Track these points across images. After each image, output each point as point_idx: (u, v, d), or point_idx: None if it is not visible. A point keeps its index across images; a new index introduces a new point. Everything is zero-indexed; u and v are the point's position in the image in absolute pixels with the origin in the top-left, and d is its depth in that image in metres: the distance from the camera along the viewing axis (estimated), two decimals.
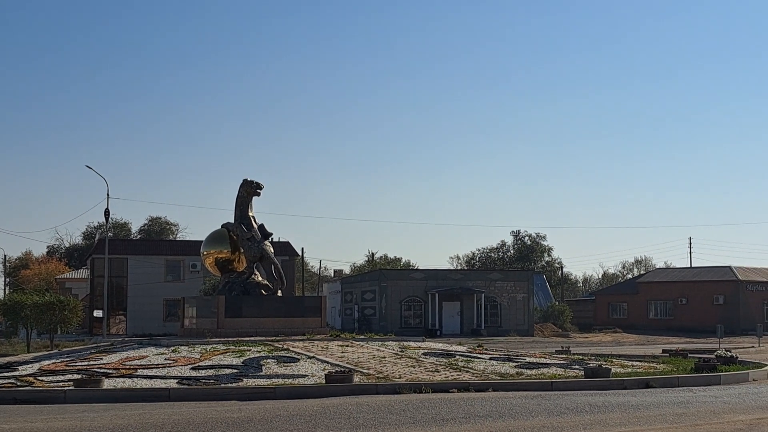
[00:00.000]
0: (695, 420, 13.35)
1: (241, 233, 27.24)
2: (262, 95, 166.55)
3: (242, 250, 27.60)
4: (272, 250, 27.57)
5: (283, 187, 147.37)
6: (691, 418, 13.63)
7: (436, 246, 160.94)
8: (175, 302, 69.36)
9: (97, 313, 50.25)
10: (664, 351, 36.87)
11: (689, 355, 28.07)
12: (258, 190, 27.75)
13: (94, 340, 48.67)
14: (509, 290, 65.00)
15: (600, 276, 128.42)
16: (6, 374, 20.06)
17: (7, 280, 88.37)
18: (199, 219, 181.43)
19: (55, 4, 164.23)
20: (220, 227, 28.27)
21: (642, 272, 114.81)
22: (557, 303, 76.95)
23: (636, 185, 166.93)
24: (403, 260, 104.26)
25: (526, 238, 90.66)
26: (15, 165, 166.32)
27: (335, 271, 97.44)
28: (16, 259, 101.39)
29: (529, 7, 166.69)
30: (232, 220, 28.09)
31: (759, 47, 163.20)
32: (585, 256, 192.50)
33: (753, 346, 43.50)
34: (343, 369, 19.69)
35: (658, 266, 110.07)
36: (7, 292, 78.59)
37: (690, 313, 72.21)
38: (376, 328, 57.37)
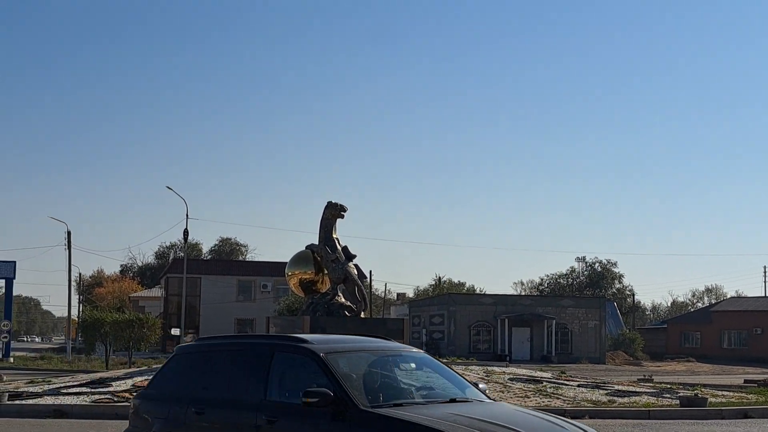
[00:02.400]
0: None
1: (326, 255, 27.40)
2: (324, 118, 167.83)
3: (326, 272, 27.76)
4: (356, 272, 27.67)
5: (352, 209, 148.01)
6: None
7: (500, 271, 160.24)
8: (246, 321, 70.25)
9: (175, 331, 50.95)
10: (746, 381, 36.18)
11: None
12: (342, 213, 27.90)
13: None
14: (580, 317, 64.32)
15: (669, 304, 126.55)
16: (101, 390, 20.44)
17: (82, 297, 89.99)
18: (268, 240, 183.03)
19: (153, 20, 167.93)
20: (304, 248, 28.47)
21: (713, 301, 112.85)
22: (628, 331, 75.93)
23: (707, 212, 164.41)
24: (468, 284, 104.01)
25: (597, 264, 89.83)
26: (89, 183, 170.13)
27: (398, 294, 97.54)
28: (89, 277, 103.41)
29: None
30: (313, 242, 28.29)
31: None
32: (653, 284, 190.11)
33: None
34: None
35: (729, 295, 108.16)
36: (81, 309, 79.94)
37: (765, 343, 70.67)
38: (444, 353, 57.17)
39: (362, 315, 27.76)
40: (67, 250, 59.70)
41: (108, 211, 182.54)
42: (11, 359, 53.80)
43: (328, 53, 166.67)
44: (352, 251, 27.96)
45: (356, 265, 30.16)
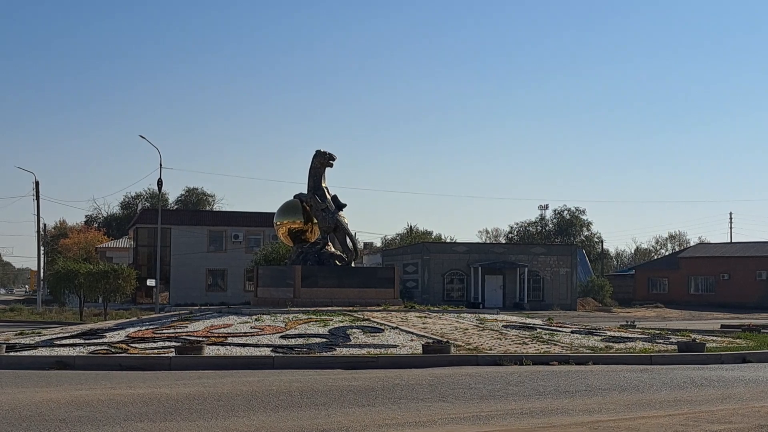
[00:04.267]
0: None
1: (316, 204, 27.20)
2: (301, 68, 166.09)
3: (316, 221, 27.58)
4: (347, 221, 27.51)
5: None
6: None
7: (465, 220, 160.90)
8: (217, 272, 69.83)
9: (150, 282, 50.47)
10: (723, 326, 36.68)
11: (761, 330, 27.93)
12: (331, 161, 27.68)
13: (130, 309, 49.00)
14: (552, 264, 64.86)
15: (633, 251, 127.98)
16: (96, 341, 20.16)
17: (47, 248, 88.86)
18: (236, 190, 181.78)
19: None
20: (293, 198, 28.25)
21: (676, 248, 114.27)
22: (597, 278, 76.73)
23: (670, 159, 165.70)
24: (435, 233, 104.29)
25: (565, 212, 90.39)
26: (56, 133, 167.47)
27: (365, 243, 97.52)
28: (52, 228, 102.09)
29: None
30: (301, 191, 28.04)
31: None
32: (617, 231, 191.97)
33: None
34: (433, 340, 19.68)
35: (692, 242, 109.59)
36: (46, 260, 78.97)
37: (732, 288, 71.82)
38: (418, 301, 57.27)
39: (353, 264, 27.67)
40: (35, 201, 58.84)
41: (74, 161, 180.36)
42: None
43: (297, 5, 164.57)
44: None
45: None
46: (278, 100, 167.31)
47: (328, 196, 27.49)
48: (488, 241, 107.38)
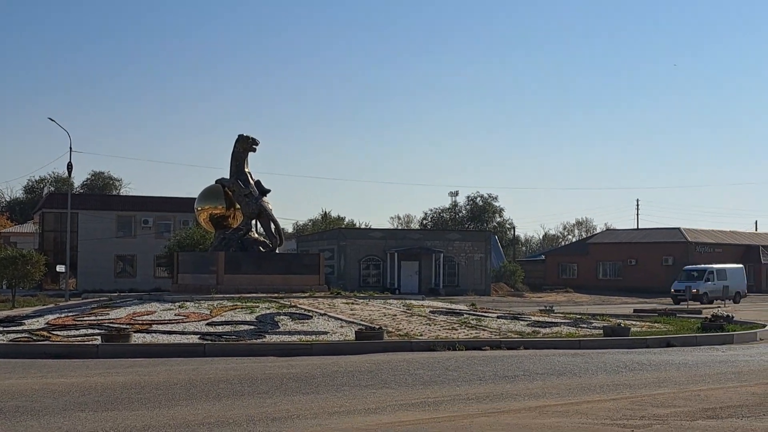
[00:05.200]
0: (761, 378, 13.66)
1: (238, 189, 26.82)
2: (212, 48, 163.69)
3: (239, 206, 27.21)
4: (271, 207, 27.21)
5: (229, 141, 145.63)
6: (752, 376, 13.92)
7: (375, 206, 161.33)
8: (126, 258, 68.46)
9: (60, 268, 49.13)
10: (635, 311, 37.58)
11: (677, 315, 28.70)
12: (254, 146, 27.29)
13: (37, 295, 47.78)
14: (467, 250, 65.46)
15: (541, 237, 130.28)
16: (15, 328, 19.53)
17: None
18: (143, 174, 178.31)
19: None
20: (214, 182, 27.81)
21: (583, 234, 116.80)
22: (509, 263, 77.79)
23: (578, 146, 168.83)
24: (347, 219, 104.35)
25: (478, 198, 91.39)
26: None
27: None
28: None
29: None
30: (224, 176, 27.64)
31: None
32: (526, 217, 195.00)
33: (719, 307, 44.44)
34: (365, 326, 19.62)
35: (599, 228, 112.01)
36: None
37: (639, 273, 73.63)
38: (334, 287, 57.31)
39: (277, 251, 27.41)
40: None
41: None
42: None
43: None
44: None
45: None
46: (189, 81, 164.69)
47: (251, 182, 27.13)
48: (401, 227, 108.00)
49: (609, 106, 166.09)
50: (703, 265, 59.28)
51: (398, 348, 17.72)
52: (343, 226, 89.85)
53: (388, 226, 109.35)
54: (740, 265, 60.47)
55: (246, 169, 27.27)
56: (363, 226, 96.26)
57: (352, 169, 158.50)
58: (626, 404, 10.77)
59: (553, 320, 23.60)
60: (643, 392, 11.87)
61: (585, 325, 22.52)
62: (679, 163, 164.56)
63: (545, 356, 16.48)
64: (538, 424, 9.49)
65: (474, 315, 23.46)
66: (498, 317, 23.34)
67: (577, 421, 9.66)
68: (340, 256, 62.88)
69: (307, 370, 14.29)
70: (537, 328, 21.29)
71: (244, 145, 27.30)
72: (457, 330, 20.43)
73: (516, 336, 19.79)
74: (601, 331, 20.56)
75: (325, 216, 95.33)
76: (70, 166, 47.80)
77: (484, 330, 20.66)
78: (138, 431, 9.09)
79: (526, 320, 22.98)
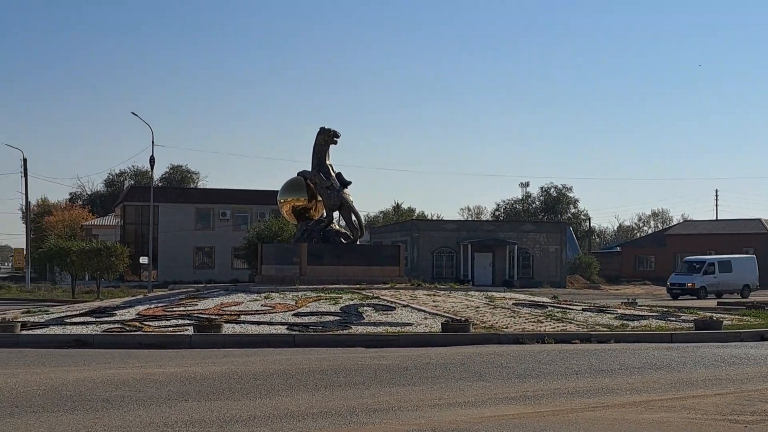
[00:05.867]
0: None
1: (320, 181, 26.94)
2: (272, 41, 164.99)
3: (320, 198, 27.35)
4: (352, 199, 27.29)
5: (303, 134, 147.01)
6: None
7: (448, 197, 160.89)
8: (204, 250, 69.44)
9: (143, 260, 50.06)
10: (719, 303, 36.83)
11: (765, 307, 28.04)
12: (335, 138, 27.38)
13: (118, 286, 48.67)
14: (541, 242, 64.95)
15: (615, 228, 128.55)
16: (107, 319, 19.91)
17: (32, 226, 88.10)
18: (220, 168, 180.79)
19: None
20: (296, 175, 28.00)
21: (659, 225, 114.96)
22: (584, 255, 76.97)
23: (654, 136, 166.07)
24: (418, 211, 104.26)
25: (552, 189, 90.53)
26: (45, 111, 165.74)
27: None
28: (35, 205, 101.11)
29: None
30: (306, 168, 27.79)
31: None
32: (600, 208, 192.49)
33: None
34: (451, 318, 19.56)
35: (675, 219, 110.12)
36: (31, 238, 78.18)
37: None
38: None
39: (358, 242, 27.48)
40: (24, 178, 58.20)
41: (59, 138, 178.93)
42: None
43: None
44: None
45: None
46: (265, 76, 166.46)
47: (333, 174, 27.23)
48: (471, 219, 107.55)
49: (687, 95, 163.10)
50: (704, 256, 54.38)
51: (485, 340, 17.63)
52: (415, 217, 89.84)
53: (458, 217, 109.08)
54: (751, 256, 54.80)
55: (327, 162, 27.39)
56: (434, 218, 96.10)
57: (422, 160, 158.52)
58: (733, 399, 10.54)
59: (640, 313, 23.23)
60: (749, 387, 11.61)
61: (673, 318, 22.12)
62: (762, 152, 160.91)
63: (638, 350, 16.22)
64: (646, 420, 9.33)
65: (558, 307, 23.22)
66: (583, 310, 23.05)
67: (685, 416, 9.48)
68: (413, 247, 62.88)
69: (398, 361, 14.29)
70: (625, 321, 20.95)
71: (326, 138, 27.41)
72: (542, 323, 20.23)
73: (605, 329, 19.52)
74: (692, 325, 20.14)
75: (397, 208, 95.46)
76: (152, 160, 48.59)
77: (570, 323, 20.42)
78: (243, 421, 9.18)
79: (613, 313, 22.65)
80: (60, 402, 10.23)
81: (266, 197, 68.51)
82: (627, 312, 23.22)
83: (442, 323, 18.59)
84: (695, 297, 44.31)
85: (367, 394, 11.02)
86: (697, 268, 49.77)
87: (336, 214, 27.84)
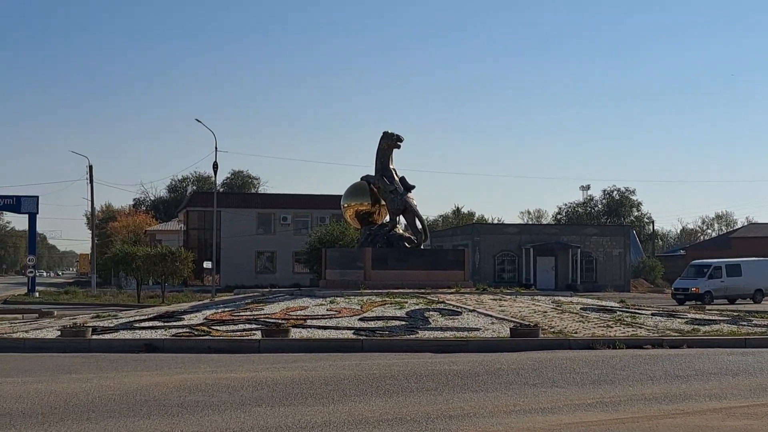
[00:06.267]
0: None
1: (384, 185, 26.88)
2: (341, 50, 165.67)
3: (384, 203, 27.29)
4: (416, 203, 27.17)
5: (362, 138, 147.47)
6: None
7: (507, 201, 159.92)
8: (266, 254, 69.89)
9: (207, 265, 50.59)
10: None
11: None
12: (398, 143, 27.30)
13: (183, 291, 49.12)
14: (605, 245, 64.14)
15: (678, 231, 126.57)
16: (175, 323, 20.07)
17: (97, 231, 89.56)
18: (281, 172, 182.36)
19: None
20: (360, 179, 27.98)
21: (723, 228, 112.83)
22: (648, 258, 75.85)
23: (716, 139, 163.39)
24: (477, 214, 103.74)
25: (615, 192, 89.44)
26: (110, 118, 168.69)
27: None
28: (99, 211, 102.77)
29: None
30: (369, 173, 27.75)
31: None
32: (662, 211, 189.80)
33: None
34: (520, 323, 19.36)
35: (740, 222, 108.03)
36: (96, 244, 79.54)
37: None
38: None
39: (422, 246, 27.36)
40: (89, 185, 59.19)
41: (123, 144, 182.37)
42: (36, 294, 53.61)
43: None
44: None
45: None
46: (326, 81, 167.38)
47: (396, 178, 27.15)
48: (532, 222, 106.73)
49: (753, 93, 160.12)
50: (712, 259, 50.26)
51: (555, 346, 17.40)
52: (475, 221, 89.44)
53: (518, 220, 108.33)
54: (765, 259, 50.44)
55: (391, 166, 27.31)
56: (494, 221, 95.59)
57: (481, 163, 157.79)
58: None
59: (710, 318, 22.75)
60: None
61: (745, 323, 21.61)
62: None
63: (713, 355, 15.88)
64: (729, 427, 9.10)
65: (627, 312, 22.84)
66: (652, 314, 22.64)
67: None
68: (474, 251, 62.50)
69: (469, 366, 14.16)
70: (696, 326, 20.53)
71: (389, 142, 27.34)
72: (612, 328, 19.90)
73: (676, 334, 19.14)
74: (766, 329, 19.68)
75: (457, 211, 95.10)
76: (215, 166, 49.05)
77: (640, 328, 20.07)
78: (319, 427, 9.14)
79: (683, 317, 22.20)
80: (135, 407, 10.31)
81: (326, 202, 68.79)
82: (697, 316, 22.76)
83: (510, 328, 18.40)
84: (700, 302, 41.17)
85: (440, 399, 10.93)
86: (703, 272, 46.29)
87: (399, 218, 27.70)
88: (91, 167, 58.92)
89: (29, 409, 10.19)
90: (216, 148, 48.06)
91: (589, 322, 20.74)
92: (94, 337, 18.02)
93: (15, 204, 58.89)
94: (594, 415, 9.82)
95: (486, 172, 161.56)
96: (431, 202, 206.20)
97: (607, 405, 10.52)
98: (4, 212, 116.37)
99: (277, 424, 9.26)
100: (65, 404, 10.49)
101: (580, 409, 10.27)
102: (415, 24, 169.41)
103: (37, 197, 58.24)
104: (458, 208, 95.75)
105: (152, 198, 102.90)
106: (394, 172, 27.26)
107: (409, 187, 27.21)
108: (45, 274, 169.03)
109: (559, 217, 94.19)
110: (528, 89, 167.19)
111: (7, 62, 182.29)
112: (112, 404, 10.52)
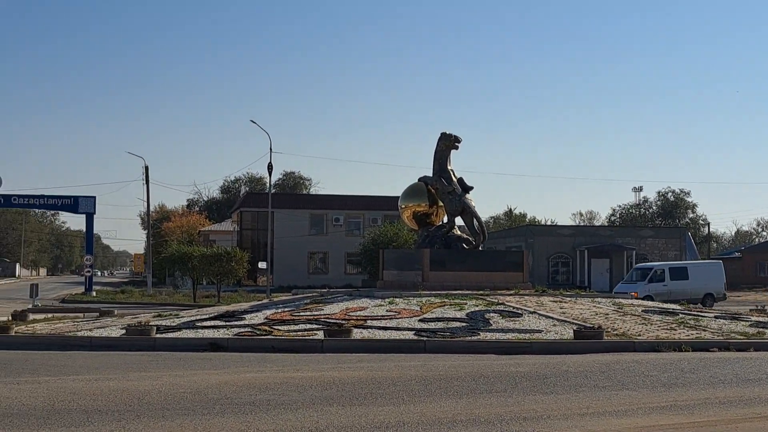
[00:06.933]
0: None
1: (442, 187, 26.82)
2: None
3: (441, 204, 27.23)
4: (474, 204, 27.07)
5: (414, 140, 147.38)
6: None
7: (559, 202, 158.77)
8: (318, 255, 70.13)
9: (261, 265, 50.91)
10: None
11: None
12: (456, 144, 27.23)
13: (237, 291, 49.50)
14: (660, 247, 63.35)
15: (733, 233, 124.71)
16: (237, 323, 20.23)
17: (151, 231, 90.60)
18: (332, 173, 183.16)
19: None
20: (417, 181, 27.96)
21: None
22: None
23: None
24: (529, 216, 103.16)
25: (669, 194, 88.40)
26: (164, 120, 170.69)
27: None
28: (153, 212, 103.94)
29: None
30: (427, 174, 27.71)
31: None
32: (716, 213, 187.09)
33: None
34: (584, 326, 19.19)
35: None
36: (151, 244, 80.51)
37: None
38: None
39: (480, 247, 27.25)
40: (145, 186, 59.83)
41: (178, 146, 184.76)
42: (93, 293, 54.38)
43: None
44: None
45: None
46: (378, 83, 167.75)
47: (455, 179, 27.07)
48: (584, 224, 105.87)
49: None
50: (655, 262, 47.51)
51: (620, 348, 17.24)
52: (527, 222, 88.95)
53: (570, 222, 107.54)
54: (717, 261, 47.70)
55: (449, 167, 27.25)
56: (547, 223, 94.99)
57: (533, 165, 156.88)
58: None
59: None
60: None
61: None
62: None
63: None
64: None
65: (690, 314, 22.54)
66: (716, 317, 22.35)
67: None
68: (528, 253, 62.07)
69: (535, 369, 14.08)
70: (761, 329, 20.21)
71: (447, 143, 27.28)
72: (676, 330, 19.67)
73: (742, 337, 18.86)
74: None
75: (510, 212, 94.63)
76: (270, 167, 49.37)
77: (704, 330, 19.81)
78: (393, 427, 9.13)
79: (746, 320, 21.89)
80: (208, 405, 10.39)
81: (378, 203, 68.89)
82: (761, 319, 22.42)
83: (574, 330, 18.26)
84: None
85: (511, 401, 10.87)
86: (646, 275, 42.87)
87: (458, 219, 27.60)
88: (147, 168, 59.57)
89: (105, 406, 10.31)
90: (270, 149, 48.56)
91: (651, 324, 20.52)
92: (159, 335, 18.24)
93: (73, 204, 59.78)
94: (669, 419, 9.69)
95: (538, 174, 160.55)
96: (482, 203, 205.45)
97: (681, 408, 10.39)
98: (59, 212, 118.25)
99: (351, 424, 9.27)
100: (139, 402, 10.62)
101: (654, 412, 10.15)
102: (467, 26, 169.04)
103: (94, 198, 59.11)
104: (511, 209, 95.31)
105: (205, 199, 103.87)
106: (452, 173, 27.19)
107: (467, 188, 27.11)
108: (99, 273, 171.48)
109: (612, 218, 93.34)
110: (581, 91, 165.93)
111: (68, 68, 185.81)
112: (185, 402, 10.62)
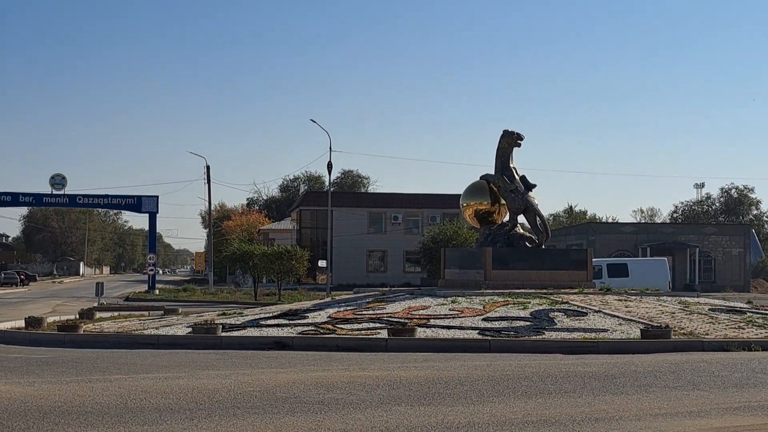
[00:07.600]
0: None
1: (504, 185, 26.66)
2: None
3: (503, 202, 27.06)
4: (537, 202, 26.86)
5: (469, 137, 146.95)
6: None
7: (618, 199, 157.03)
8: (377, 253, 70.23)
9: (321, 263, 51.20)
10: None
11: None
12: (519, 141, 27.04)
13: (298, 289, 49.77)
14: (724, 245, 62.42)
15: None
16: (300, 321, 20.36)
17: (212, 230, 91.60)
18: (390, 172, 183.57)
19: None
20: (479, 179, 27.82)
21: None
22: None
23: None
24: (589, 213, 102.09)
25: (733, 190, 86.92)
26: (223, 121, 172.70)
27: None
28: (214, 211, 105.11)
29: None
30: (489, 172, 27.56)
31: None
32: None
33: None
34: (651, 325, 18.95)
35: None
36: (212, 242, 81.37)
37: None
38: None
39: (543, 246, 27.03)
40: (207, 185, 60.51)
41: (239, 145, 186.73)
42: (156, 291, 55.15)
43: None
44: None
45: None
46: (434, 82, 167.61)
47: (517, 177, 26.89)
48: (644, 221, 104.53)
49: None
50: (596, 259, 41.36)
51: (688, 347, 16.98)
52: (588, 220, 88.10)
53: (630, 219, 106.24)
54: (662, 258, 45.29)
55: (511, 165, 27.06)
56: (608, 221, 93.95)
57: (592, 162, 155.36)
58: None
59: None
60: None
61: None
62: None
63: None
64: None
65: (758, 313, 22.12)
66: None
67: None
68: (590, 251, 61.51)
69: (604, 368, 13.92)
70: None
71: (509, 141, 27.10)
72: (744, 329, 19.33)
73: None
74: None
75: (570, 210, 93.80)
76: (330, 166, 49.61)
77: None
78: (464, 428, 9.09)
79: None
80: (277, 404, 10.45)
81: (437, 201, 68.75)
82: None
83: (641, 329, 18.04)
84: None
85: (581, 402, 10.76)
86: None
87: (520, 217, 27.39)
88: (208, 167, 60.27)
89: (176, 404, 10.42)
90: (330, 148, 48.62)
91: (719, 323, 20.20)
92: (224, 334, 18.42)
93: (136, 204, 60.64)
94: (745, 420, 9.52)
95: (598, 171, 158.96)
96: (542, 201, 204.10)
97: (755, 409, 10.20)
98: (122, 211, 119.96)
99: (421, 424, 9.25)
100: (209, 400, 10.71)
101: (728, 413, 9.98)
102: (534, 24, 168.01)
103: (157, 197, 59.87)
104: (571, 206, 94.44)
105: (265, 197, 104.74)
106: (514, 171, 27.01)
107: (529, 186, 26.91)
108: (161, 272, 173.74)
109: (675, 215, 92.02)
110: (640, 88, 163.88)
111: (136, 70, 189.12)
112: (255, 400, 10.70)
